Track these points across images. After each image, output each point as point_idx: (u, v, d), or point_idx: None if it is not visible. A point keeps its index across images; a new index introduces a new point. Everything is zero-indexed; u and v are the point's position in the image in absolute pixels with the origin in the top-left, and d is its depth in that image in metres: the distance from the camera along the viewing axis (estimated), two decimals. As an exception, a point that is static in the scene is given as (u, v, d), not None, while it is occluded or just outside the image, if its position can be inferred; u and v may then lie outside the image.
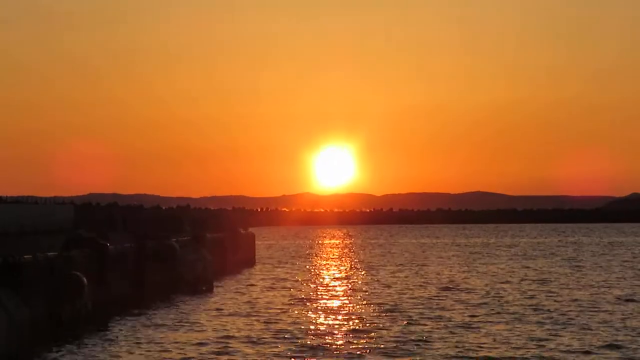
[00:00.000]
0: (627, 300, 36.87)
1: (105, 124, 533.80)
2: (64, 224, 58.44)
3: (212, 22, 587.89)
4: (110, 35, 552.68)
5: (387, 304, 36.42)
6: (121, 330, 29.24)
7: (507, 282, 47.55)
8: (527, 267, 60.16)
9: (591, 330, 28.10)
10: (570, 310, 33.15)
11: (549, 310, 33.37)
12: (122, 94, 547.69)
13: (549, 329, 28.16)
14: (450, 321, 30.27)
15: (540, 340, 25.94)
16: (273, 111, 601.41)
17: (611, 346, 24.92)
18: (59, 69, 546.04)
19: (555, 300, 36.99)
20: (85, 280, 29.25)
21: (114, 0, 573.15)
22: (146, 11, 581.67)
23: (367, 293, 41.88)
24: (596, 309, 33.60)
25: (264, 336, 27.43)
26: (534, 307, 34.48)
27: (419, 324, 29.57)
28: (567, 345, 24.98)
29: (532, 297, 38.64)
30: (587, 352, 23.98)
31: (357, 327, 29.01)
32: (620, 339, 26.20)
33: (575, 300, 37.13)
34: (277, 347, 25.24)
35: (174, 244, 44.81)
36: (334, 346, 25.35)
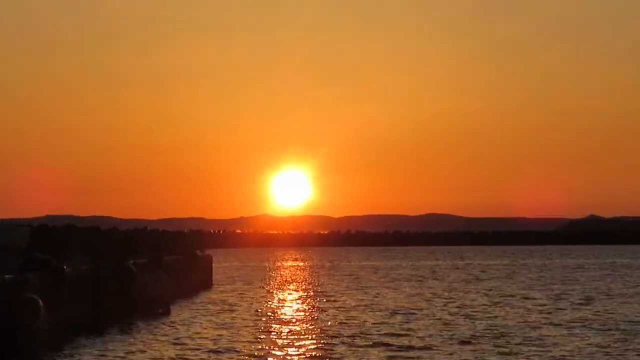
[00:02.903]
0: (565, 323, 37.79)
1: (61, 146, 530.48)
2: (19, 245, 58.48)
3: (167, 48, 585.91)
4: (66, 61, 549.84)
5: (337, 328, 37.08)
6: (76, 354, 29.65)
7: (456, 305, 48.38)
8: (477, 290, 61.14)
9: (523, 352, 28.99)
10: (512, 334, 34.01)
11: (497, 332, 34.20)
12: (79, 117, 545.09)
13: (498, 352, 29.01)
14: (405, 346, 30.93)
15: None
16: (230, 133, 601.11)
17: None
18: (15, 91, 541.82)
19: (503, 324, 37.85)
20: (41, 302, 29.63)
21: (68, 25, 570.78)
22: (96, 38, 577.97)
23: (319, 317, 42.50)
24: (537, 333, 34.46)
25: None
26: (486, 330, 35.30)
27: (372, 348, 30.25)
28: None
29: (480, 320, 39.50)
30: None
31: (310, 354, 29.55)
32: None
33: (524, 322, 38.00)
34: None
35: (131, 267, 45.16)
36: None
